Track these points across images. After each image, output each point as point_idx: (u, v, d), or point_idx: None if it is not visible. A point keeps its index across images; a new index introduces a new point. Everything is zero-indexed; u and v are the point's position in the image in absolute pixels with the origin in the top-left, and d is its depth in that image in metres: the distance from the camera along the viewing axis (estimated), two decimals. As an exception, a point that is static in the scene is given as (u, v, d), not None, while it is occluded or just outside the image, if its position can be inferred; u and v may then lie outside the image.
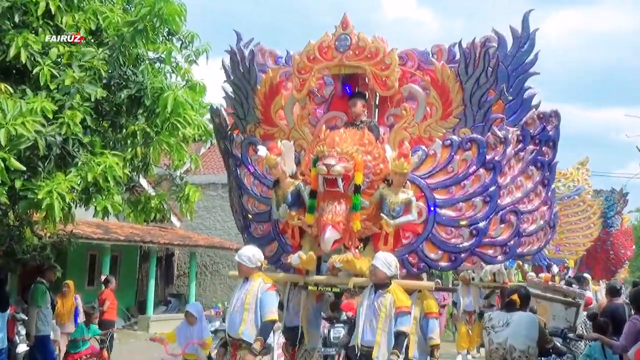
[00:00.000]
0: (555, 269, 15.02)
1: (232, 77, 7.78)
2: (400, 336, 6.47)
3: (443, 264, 7.08)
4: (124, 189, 9.45)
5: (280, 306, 7.33)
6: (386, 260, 6.48)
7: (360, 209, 6.72)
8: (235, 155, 7.91)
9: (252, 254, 6.95)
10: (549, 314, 10.52)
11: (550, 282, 11.65)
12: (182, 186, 10.22)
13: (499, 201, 7.02)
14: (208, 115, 8.86)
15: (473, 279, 15.27)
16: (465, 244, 6.98)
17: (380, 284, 6.57)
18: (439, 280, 20.76)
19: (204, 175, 25.08)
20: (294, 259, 7.07)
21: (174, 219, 21.53)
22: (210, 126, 9.00)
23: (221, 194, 25.21)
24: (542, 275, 12.92)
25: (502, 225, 7.09)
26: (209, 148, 22.86)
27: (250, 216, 7.83)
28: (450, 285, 23.25)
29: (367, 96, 7.58)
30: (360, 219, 6.73)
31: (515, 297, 7.36)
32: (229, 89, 8.00)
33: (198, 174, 22.48)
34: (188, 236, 22.81)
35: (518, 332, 7.14)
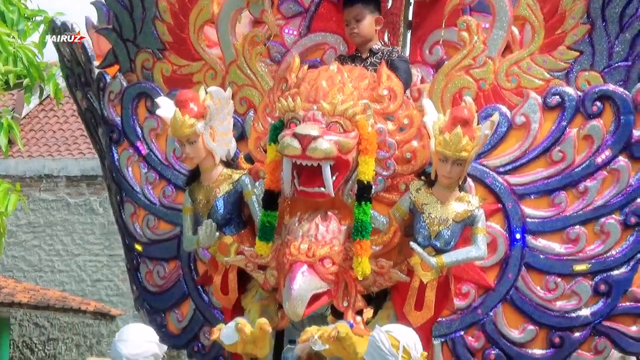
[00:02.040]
0: None
1: None
2: None
3: (536, 351, 4.75)
4: None
5: None
6: (385, 348, 4.07)
7: (370, 234, 4.50)
8: (108, 120, 5.44)
9: (138, 341, 4.23)
10: None
11: None
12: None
13: (655, 226, 4.83)
14: (37, 35, 7.00)
15: None
16: (584, 311, 4.73)
17: None
18: None
19: (30, 160, 15.93)
20: (226, 334, 4.64)
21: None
22: (45, 58, 7.27)
23: (65, 196, 15.80)
24: None
25: (662, 277, 4.89)
26: (41, 105, 15.29)
27: (139, 247, 5.35)
28: None
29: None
30: (371, 255, 4.47)
31: None
32: None
33: (15, 157, 15.18)
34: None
35: None
